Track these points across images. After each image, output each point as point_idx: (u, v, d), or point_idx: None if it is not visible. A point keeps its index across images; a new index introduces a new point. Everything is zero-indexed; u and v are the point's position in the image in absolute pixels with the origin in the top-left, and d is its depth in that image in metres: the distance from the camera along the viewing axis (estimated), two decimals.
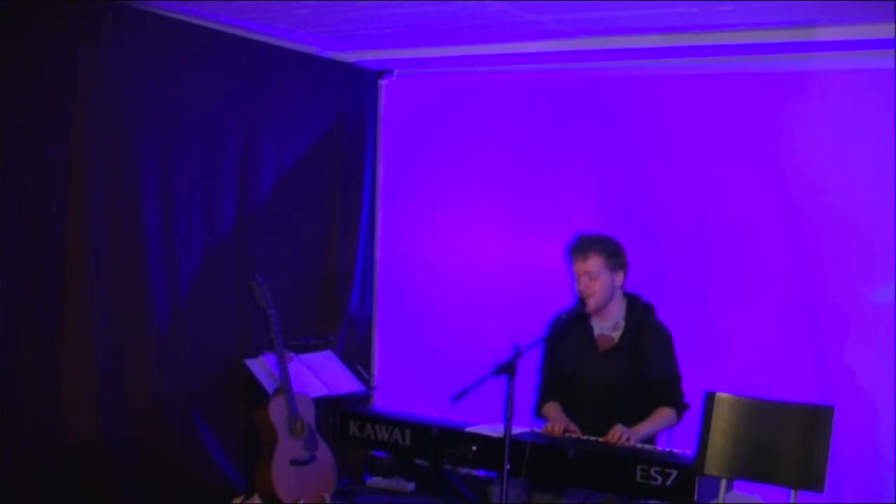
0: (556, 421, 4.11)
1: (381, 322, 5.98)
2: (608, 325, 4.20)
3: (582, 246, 4.12)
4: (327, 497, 4.88)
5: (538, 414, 4.26)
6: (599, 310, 4.16)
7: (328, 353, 5.36)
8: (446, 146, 5.77)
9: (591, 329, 4.21)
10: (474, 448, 4.09)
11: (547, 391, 4.27)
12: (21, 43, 4.05)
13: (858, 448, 4.59)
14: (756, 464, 3.62)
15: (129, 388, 4.55)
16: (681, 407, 4.12)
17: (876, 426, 4.59)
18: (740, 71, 4.95)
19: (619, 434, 3.97)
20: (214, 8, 4.74)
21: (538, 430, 4.15)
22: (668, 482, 3.74)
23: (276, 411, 4.71)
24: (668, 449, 4.06)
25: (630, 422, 4.06)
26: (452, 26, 4.98)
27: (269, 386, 4.87)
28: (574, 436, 4.07)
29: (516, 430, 3.84)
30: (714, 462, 3.65)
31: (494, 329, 5.39)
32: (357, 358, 5.58)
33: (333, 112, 5.61)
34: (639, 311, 4.22)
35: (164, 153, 4.68)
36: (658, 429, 4.14)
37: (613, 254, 4.14)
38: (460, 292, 5.72)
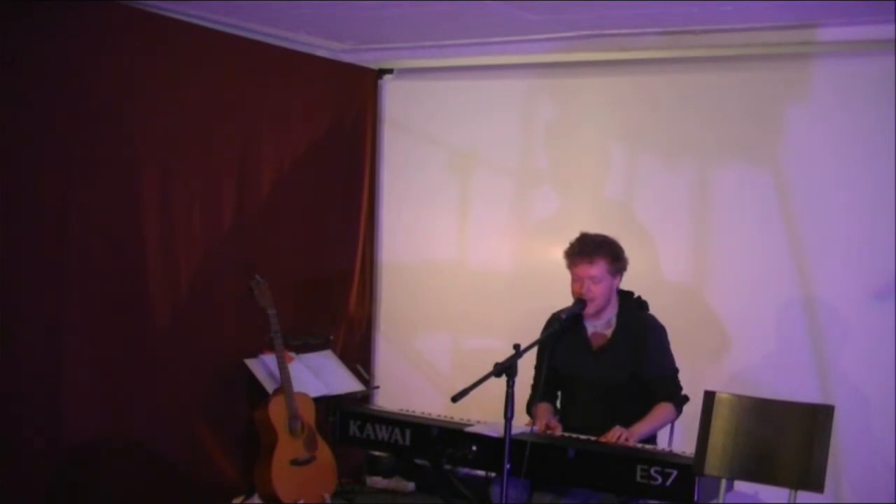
0: (539, 420, 4.12)
1: (381, 322, 5.98)
2: (601, 323, 4.20)
3: (588, 249, 4.09)
4: (327, 497, 4.88)
5: (529, 413, 4.27)
6: (599, 313, 4.16)
7: (328, 353, 5.36)
8: (446, 146, 5.77)
9: (584, 329, 4.21)
10: (474, 448, 4.09)
11: (539, 391, 4.27)
12: (21, 43, 4.05)
13: (858, 448, 4.59)
14: (756, 464, 3.61)
15: (129, 387, 4.55)
16: (679, 400, 4.12)
17: (876, 426, 4.58)
18: (739, 70, 4.95)
19: (617, 436, 3.96)
20: (214, 8, 4.74)
21: (537, 431, 4.15)
22: (668, 482, 3.73)
23: (276, 411, 4.71)
24: (667, 449, 4.06)
25: (628, 419, 4.05)
26: (452, 25, 4.98)
27: (269, 386, 4.87)
28: (556, 433, 4.07)
29: (516, 430, 3.84)
30: (714, 462, 3.64)
31: (494, 329, 5.39)
32: (357, 358, 5.58)
33: (333, 112, 5.61)
34: (631, 307, 4.22)
35: (164, 153, 4.69)
36: (659, 425, 4.13)
37: (617, 258, 4.13)
38: (460, 292, 5.72)
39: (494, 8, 4.54)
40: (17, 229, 4.11)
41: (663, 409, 4.09)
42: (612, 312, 4.20)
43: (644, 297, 4.28)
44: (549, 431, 4.08)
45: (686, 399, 4.12)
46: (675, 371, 4.16)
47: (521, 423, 4.04)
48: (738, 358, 4.90)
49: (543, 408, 4.24)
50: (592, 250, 4.08)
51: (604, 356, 4.15)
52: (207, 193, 4.91)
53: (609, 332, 4.18)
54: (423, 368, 5.82)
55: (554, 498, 4.05)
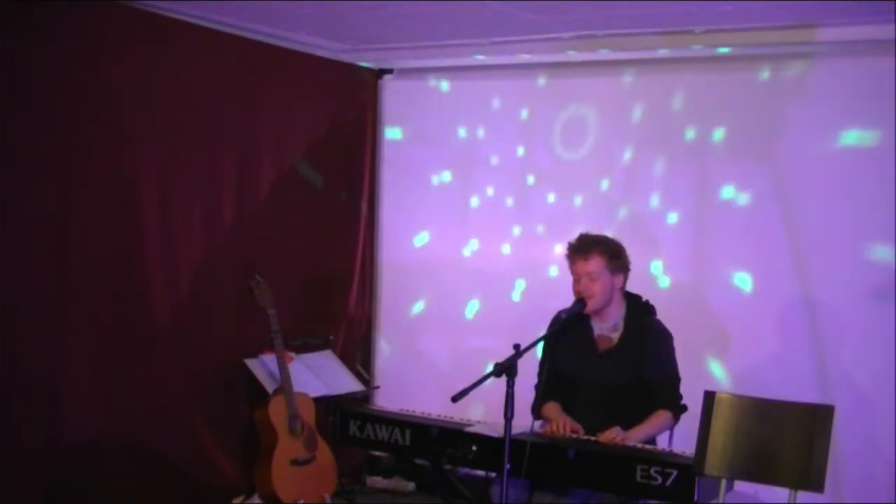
0: (561, 421, 4.09)
1: (381, 322, 5.98)
2: (607, 325, 4.19)
3: (584, 246, 4.10)
4: (327, 497, 4.88)
5: (536, 414, 4.25)
6: (599, 311, 4.15)
7: (328, 353, 5.36)
8: (446, 146, 5.77)
9: (590, 330, 4.20)
10: (474, 448, 4.09)
11: (546, 391, 4.26)
12: (21, 43, 4.05)
13: (858, 448, 4.59)
14: (756, 464, 3.61)
15: (129, 387, 4.55)
16: (678, 409, 4.11)
17: (876, 426, 4.58)
18: (739, 70, 4.95)
19: (612, 435, 3.95)
20: (214, 8, 4.74)
21: (539, 430, 4.14)
22: (668, 482, 3.73)
23: (276, 411, 4.71)
24: (667, 449, 4.06)
25: (628, 423, 4.05)
26: (452, 25, 4.98)
27: (269, 386, 4.87)
28: (579, 436, 4.06)
29: (516, 430, 3.83)
30: (714, 462, 3.64)
31: (494, 329, 5.39)
32: (357, 358, 5.58)
33: (333, 112, 5.61)
34: (639, 311, 4.21)
35: (164, 153, 4.69)
36: (655, 432, 4.12)
37: (615, 256, 4.12)
38: (460, 292, 5.71)
39: (494, 8, 4.53)
40: (17, 229, 4.11)
41: (661, 417, 4.08)
42: (618, 315, 4.18)
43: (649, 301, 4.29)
44: (574, 435, 4.05)
45: (684, 409, 4.10)
46: (678, 379, 4.14)
47: (522, 424, 4.03)
48: (738, 358, 4.90)
49: (556, 408, 4.21)
50: (588, 247, 4.10)
51: (608, 359, 4.14)
52: (207, 193, 4.91)
53: (616, 337, 4.17)
54: (423, 368, 5.82)
55: (554, 498, 4.05)
